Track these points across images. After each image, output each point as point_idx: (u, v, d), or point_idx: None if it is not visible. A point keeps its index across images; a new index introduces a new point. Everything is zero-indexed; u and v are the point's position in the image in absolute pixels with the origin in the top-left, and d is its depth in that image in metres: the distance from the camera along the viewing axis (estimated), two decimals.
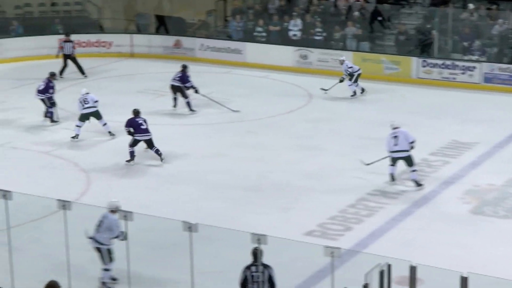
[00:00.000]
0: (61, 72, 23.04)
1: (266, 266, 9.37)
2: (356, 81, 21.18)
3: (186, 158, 16.44)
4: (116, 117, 17.88)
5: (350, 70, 21.16)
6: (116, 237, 10.54)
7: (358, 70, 21.22)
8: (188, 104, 19.71)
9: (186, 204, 13.91)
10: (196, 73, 22.95)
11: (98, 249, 10.72)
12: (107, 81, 22.73)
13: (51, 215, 12.00)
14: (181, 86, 19.65)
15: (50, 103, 18.56)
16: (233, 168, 15.88)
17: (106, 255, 10.69)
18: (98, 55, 26.19)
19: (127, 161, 15.98)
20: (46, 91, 18.49)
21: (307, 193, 14.57)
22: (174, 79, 19.81)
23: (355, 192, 14.48)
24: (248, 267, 9.34)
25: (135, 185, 14.94)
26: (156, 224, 12.12)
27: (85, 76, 23.17)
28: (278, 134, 18.12)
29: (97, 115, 17.63)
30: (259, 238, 8.70)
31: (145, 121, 16.14)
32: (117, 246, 10.58)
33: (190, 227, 9.05)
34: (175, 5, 28.11)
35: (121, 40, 26.53)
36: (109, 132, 17.65)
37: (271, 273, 9.37)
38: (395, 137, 14.59)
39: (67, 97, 20.26)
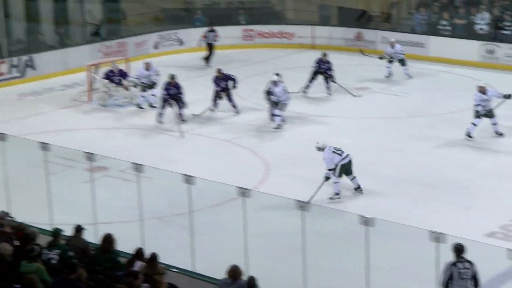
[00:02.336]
0: (207, 59, 23.97)
1: (471, 262, 9.11)
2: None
3: (363, 152, 16.38)
4: (295, 107, 18.14)
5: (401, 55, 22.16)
6: None
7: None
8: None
9: (362, 198, 13.88)
10: (374, 66, 22.88)
11: None
12: (289, 72, 22.99)
13: (230, 201, 12.39)
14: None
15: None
16: (411, 163, 15.66)
17: None
18: (280, 46, 26.61)
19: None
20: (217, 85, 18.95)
21: (488, 192, 14.13)
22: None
23: None
24: (454, 264, 9.05)
25: (311, 177, 15.04)
26: (332, 217, 12.19)
27: (208, 66, 23.74)
28: (459, 130, 17.66)
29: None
30: (438, 237, 8.55)
31: None
32: (291, 235, 10.73)
33: (366, 221, 9.03)
34: None
35: (303, 32, 26.80)
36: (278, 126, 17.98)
37: (476, 270, 9.11)
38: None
39: (246, 86, 20.82)
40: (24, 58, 22.43)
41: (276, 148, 16.77)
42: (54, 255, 9.58)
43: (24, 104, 20.32)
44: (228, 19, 27.00)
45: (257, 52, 25.72)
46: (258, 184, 14.49)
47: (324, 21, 27.95)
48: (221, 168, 15.43)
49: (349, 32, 26.10)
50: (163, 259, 9.64)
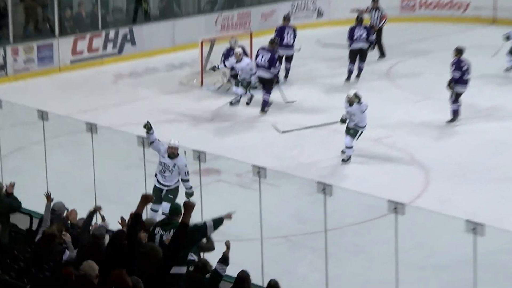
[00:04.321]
0: (381, 51, 22.91)
1: None
2: None
3: None
4: (468, 98, 17.85)
5: None
6: None
7: None
8: None
9: None
10: None
11: None
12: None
13: (378, 219, 12.31)
14: None
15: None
16: None
17: None
18: (449, 20, 26.27)
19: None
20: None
21: None
22: None
23: None
24: None
25: (484, 191, 14.78)
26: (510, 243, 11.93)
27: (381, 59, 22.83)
28: None
29: None
30: None
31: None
32: (457, 266, 10.50)
33: None
34: None
35: (481, 2, 26.31)
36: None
37: None
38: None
39: (404, 69, 20.55)
40: (123, 30, 23.01)
41: (441, 151, 16.58)
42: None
43: (120, 88, 20.88)
44: None
45: (419, 27, 25.44)
46: (415, 197, 14.32)
47: None
48: (366, 176, 15.39)
49: None
50: None
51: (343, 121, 16.18)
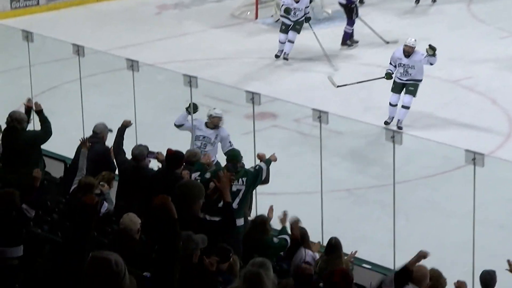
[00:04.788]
0: None
1: None
2: None
3: None
4: None
5: None
6: None
7: None
8: None
9: None
10: None
11: None
12: None
13: (454, 170, 12.39)
14: None
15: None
16: None
17: None
18: None
19: None
20: None
21: None
22: None
23: None
24: None
25: None
26: None
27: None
28: None
29: None
30: None
31: None
32: None
33: None
34: None
35: None
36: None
37: None
38: None
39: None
40: None
41: None
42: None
43: (164, 20, 20.91)
44: None
45: None
46: (496, 147, 14.33)
47: None
48: (441, 122, 15.39)
49: None
50: (349, 248, 9.71)
51: (389, 75, 15.46)
